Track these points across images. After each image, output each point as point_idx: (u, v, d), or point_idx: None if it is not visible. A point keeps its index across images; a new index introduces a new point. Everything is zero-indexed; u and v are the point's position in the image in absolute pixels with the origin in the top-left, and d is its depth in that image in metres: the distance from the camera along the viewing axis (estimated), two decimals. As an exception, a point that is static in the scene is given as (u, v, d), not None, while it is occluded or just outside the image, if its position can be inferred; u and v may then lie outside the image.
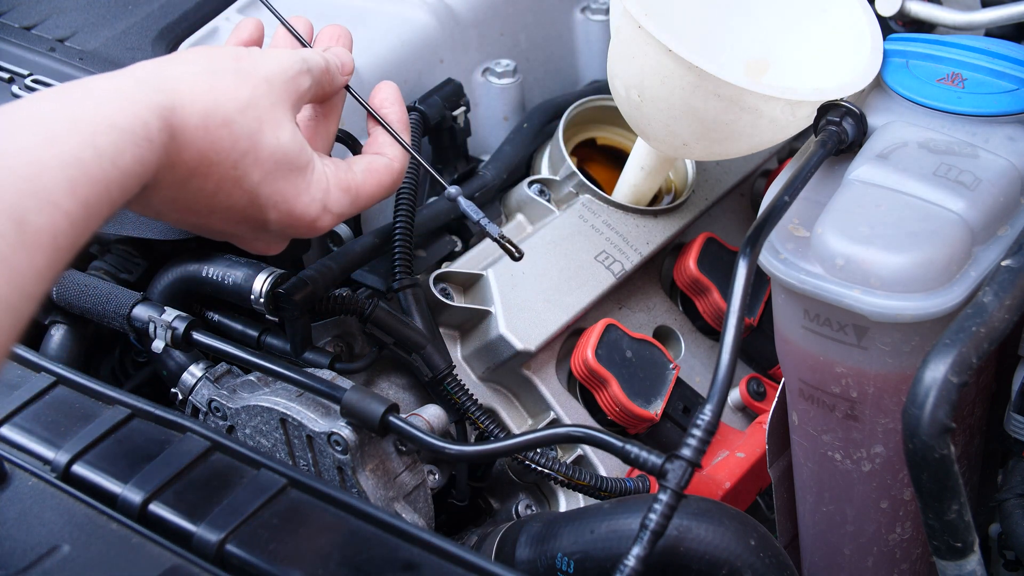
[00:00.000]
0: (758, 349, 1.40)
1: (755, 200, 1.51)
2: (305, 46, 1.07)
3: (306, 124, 1.04)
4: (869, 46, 1.16)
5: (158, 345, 1.14)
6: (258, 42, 1.09)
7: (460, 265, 1.27)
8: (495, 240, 1.03)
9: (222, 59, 0.91)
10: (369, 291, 1.22)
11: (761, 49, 1.28)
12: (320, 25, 1.09)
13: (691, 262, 1.35)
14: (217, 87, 0.88)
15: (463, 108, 1.35)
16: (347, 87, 1.05)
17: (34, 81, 1.28)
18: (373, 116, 1.06)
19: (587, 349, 1.24)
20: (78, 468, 0.94)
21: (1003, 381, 1.11)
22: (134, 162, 0.79)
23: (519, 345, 1.21)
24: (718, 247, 1.37)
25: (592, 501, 1.16)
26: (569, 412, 1.25)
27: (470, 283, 1.26)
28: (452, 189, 1.05)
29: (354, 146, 1.20)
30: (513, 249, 1.03)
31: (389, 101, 1.07)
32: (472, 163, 1.38)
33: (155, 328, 1.14)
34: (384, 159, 1.03)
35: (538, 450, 1.13)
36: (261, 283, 1.12)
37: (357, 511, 0.88)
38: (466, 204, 1.04)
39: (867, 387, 1.02)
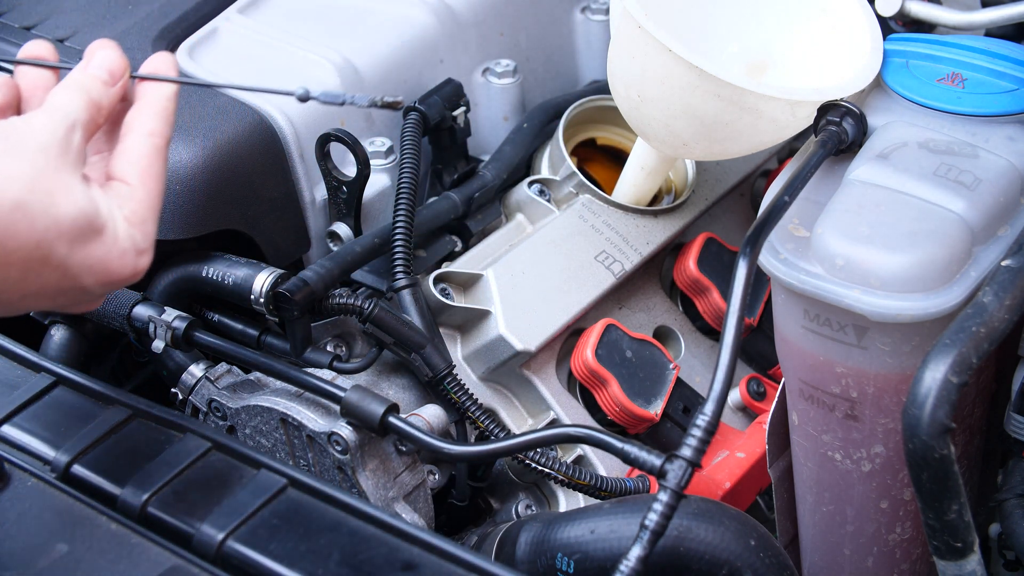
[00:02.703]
0: (758, 349, 1.40)
1: (755, 200, 1.50)
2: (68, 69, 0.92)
3: (104, 148, 0.94)
4: (869, 46, 1.16)
5: (158, 345, 1.14)
6: (13, 104, 0.93)
7: (460, 265, 1.27)
8: (371, 106, 0.91)
9: None
10: (369, 291, 1.22)
11: (761, 49, 1.27)
12: (321, 27, 1.07)
13: (691, 262, 1.35)
14: None
15: (463, 108, 1.34)
16: (133, 76, 0.92)
17: (34, 81, 1.28)
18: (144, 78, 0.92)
19: (587, 349, 1.23)
20: (78, 468, 0.94)
21: (1003, 381, 1.11)
22: None
23: (519, 345, 1.21)
24: (718, 247, 1.37)
25: (592, 501, 1.16)
26: (569, 412, 1.25)
27: (470, 283, 1.26)
28: (299, 90, 0.92)
29: (354, 146, 1.20)
30: (393, 102, 0.90)
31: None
32: (472, 163, 1.38)
33: (155, 328, 1.14)
34: (145, 146, 0.90)
35: (538, 450, 1.13)
36: (261, 283, 1.11)
37: (357, 511, 0.88)
38: (322, 94, 0.92)
39: (867, 387, 1.02)
